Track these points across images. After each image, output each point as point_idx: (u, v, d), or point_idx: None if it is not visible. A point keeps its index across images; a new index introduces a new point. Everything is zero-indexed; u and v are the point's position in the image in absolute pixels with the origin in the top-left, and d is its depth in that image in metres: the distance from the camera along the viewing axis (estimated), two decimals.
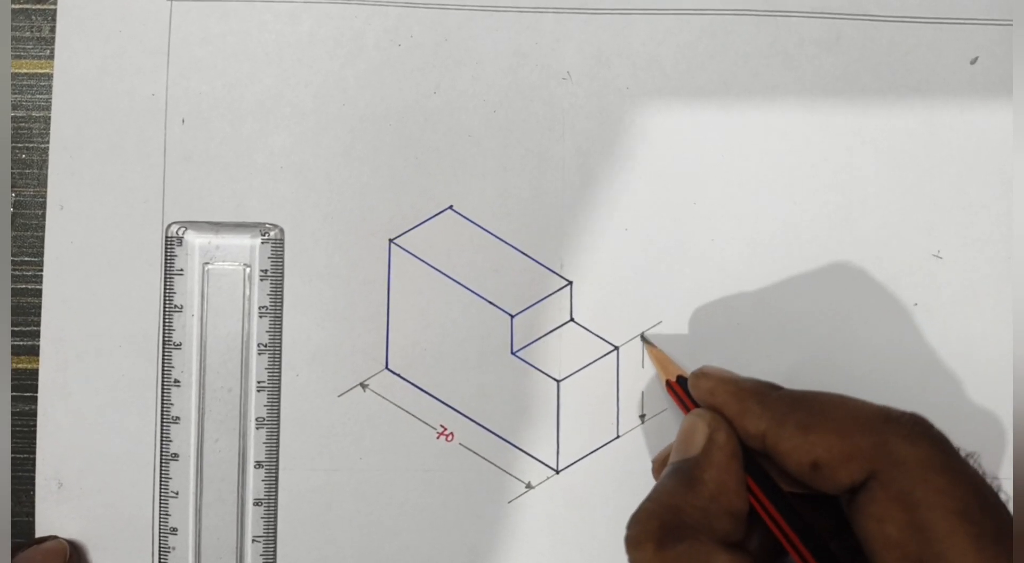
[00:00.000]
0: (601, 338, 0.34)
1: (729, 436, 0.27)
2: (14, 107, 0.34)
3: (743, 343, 0.34)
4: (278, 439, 0.34)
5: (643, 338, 0.34)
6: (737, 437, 0.27)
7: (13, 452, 0.34)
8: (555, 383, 0.34)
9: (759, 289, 0.34)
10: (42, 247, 0.34)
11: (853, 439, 0.25)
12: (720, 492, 0.26)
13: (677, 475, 0.26)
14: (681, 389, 0.30)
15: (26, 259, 0.34)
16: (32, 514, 0.33)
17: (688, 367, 0.33)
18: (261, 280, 0.34)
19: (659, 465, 0.31)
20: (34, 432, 0.33)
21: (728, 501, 0.26)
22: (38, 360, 0.34)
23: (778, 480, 0.26)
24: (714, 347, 0.34)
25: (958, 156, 0.35)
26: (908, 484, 0.23)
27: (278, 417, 0.34)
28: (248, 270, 0.34)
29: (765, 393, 0.27)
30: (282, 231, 0.34)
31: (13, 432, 0.34)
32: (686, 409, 0.30)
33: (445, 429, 0.34)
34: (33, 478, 0.33)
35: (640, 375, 0.34)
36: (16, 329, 0.34)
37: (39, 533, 0.33)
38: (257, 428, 0.34)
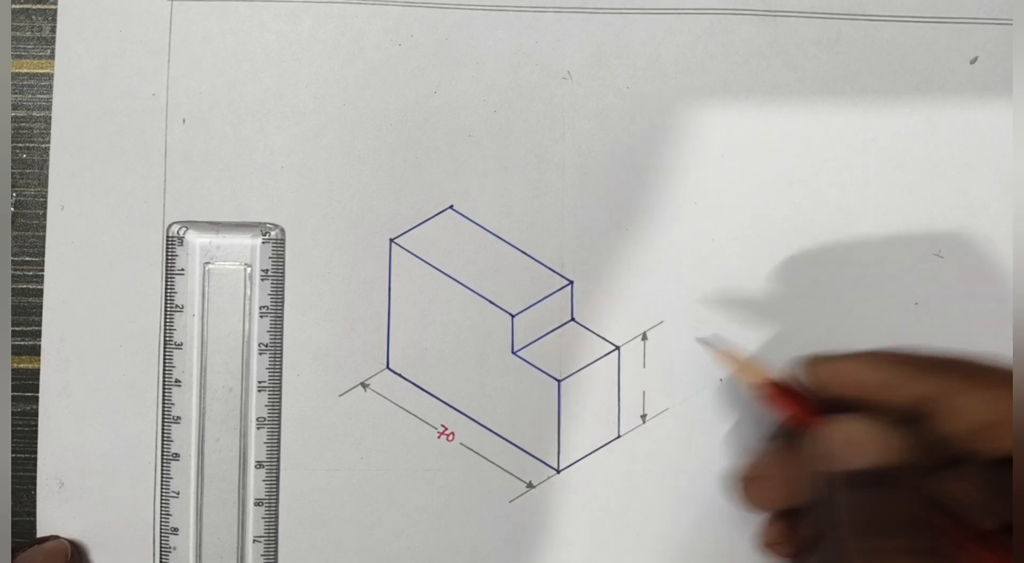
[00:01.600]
0: (602, 338, 0.34)
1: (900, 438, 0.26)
2: (14, 107, 0.34)
3: (743, 343, 0.34)
4: (279, 439, 0.34)
5: (706, 342, 0.33)
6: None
7: (14, 452, 0.34)
8: (556, 383, 0.34)
9: (759, 289, 0.34)
10: (43, 247, 0.34)
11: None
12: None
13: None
14: (788, 390, 0.30)
15: (27, 259, 0.34)
16: (33, 514, 0.33)
17: (688, 366, 0.33)
18: (262, 280, 0.34)
19: (751, 484, 0.31)
20: (35, 432, 0.33)
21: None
22: (39, 360, 0.34)
23: (917, 450, 0.26)
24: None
25: (958, 156, 0.35)
26: None
27: (279, 417, 0.34)
28: (249, 270, 0.34)
29: (908, 359, 0.27)
30: (283, 231, 0.34)
31: (14, 432, 0.34)
32: (799, 411, 0.29)
33: (446, 429, 0.34)
34: (34, 478, 0.33)
35: (641, 375, 0.34)
36: (17, 329, 0.34)
37: (40, 533, 0.33)
38: (258, 428, 0.34)
